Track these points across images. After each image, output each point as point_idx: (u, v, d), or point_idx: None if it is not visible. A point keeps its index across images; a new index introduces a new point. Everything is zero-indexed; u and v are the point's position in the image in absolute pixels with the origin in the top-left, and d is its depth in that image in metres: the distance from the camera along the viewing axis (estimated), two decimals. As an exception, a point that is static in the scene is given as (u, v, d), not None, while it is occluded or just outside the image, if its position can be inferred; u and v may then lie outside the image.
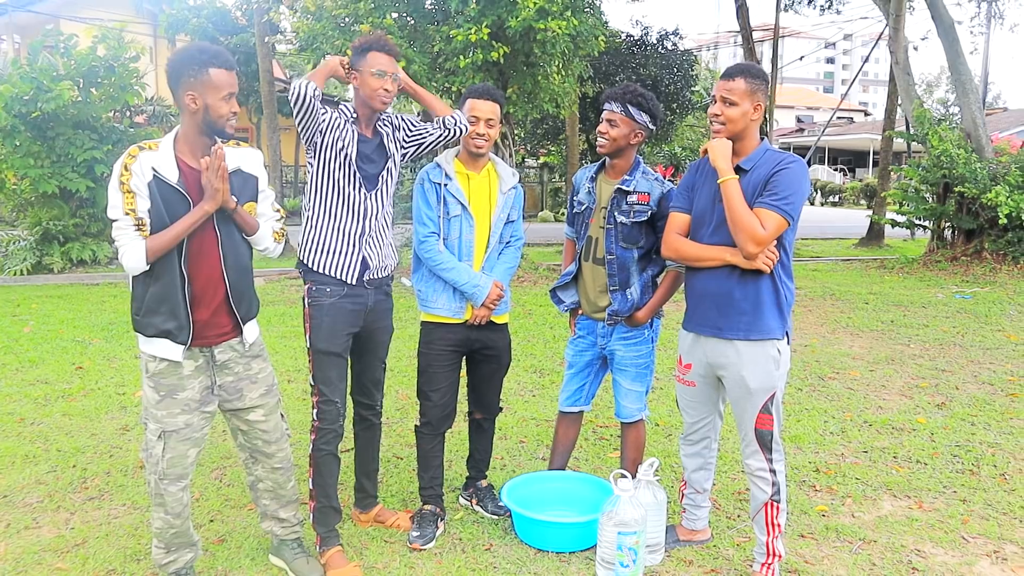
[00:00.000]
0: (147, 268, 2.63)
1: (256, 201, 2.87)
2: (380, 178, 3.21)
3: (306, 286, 3.16)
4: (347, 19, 9.85)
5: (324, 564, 3.11)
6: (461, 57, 9.51)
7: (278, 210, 2.98)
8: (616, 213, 3.33)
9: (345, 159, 3.09)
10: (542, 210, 26.29)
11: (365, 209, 3.17)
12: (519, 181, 3.58)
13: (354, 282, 3.15)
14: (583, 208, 3.49)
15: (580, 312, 3.57)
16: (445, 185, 3.36)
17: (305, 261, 3.15)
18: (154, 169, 2.62)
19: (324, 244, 3.12)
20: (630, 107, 3.27)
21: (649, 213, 3.29)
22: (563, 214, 24.76)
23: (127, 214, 2.60)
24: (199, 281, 2.72)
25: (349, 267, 3.14)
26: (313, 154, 3.10)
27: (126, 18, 18.60)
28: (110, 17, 18.34)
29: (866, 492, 3.94)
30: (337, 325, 3.11)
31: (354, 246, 3.15)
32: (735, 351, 2.92)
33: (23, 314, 8.45)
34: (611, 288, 3.38)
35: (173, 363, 2.73)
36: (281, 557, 3.16)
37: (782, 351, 2.91)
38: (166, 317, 2.67)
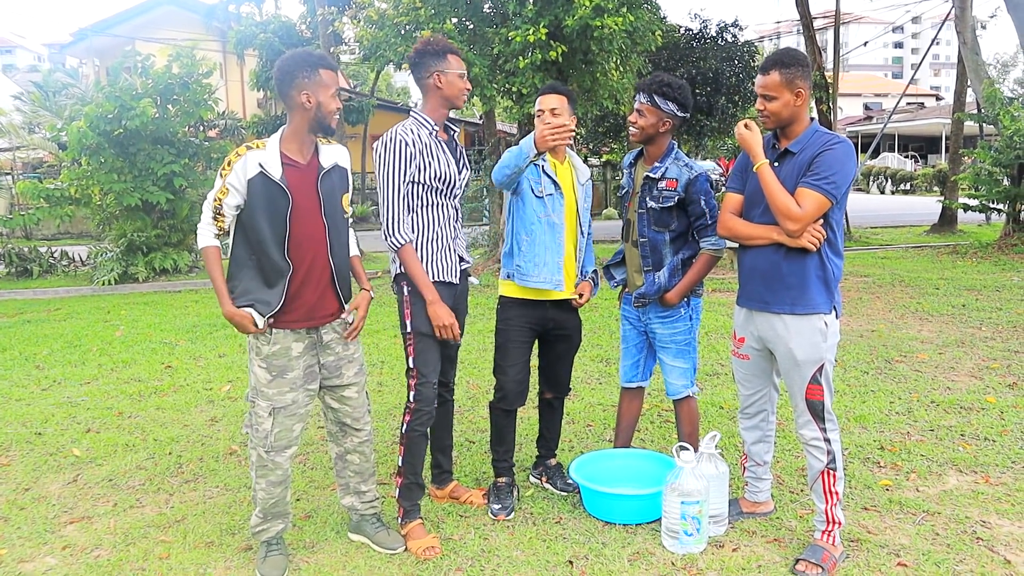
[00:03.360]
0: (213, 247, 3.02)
1: (348, 192, 3.18)
2: (461, 184, 3.44)
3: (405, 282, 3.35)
4: (408, 26, 10.12)
5: (405, 535, 3.32)
6: (520, 58, 9.70)
7: (352, 204, 3.23)
8: (647, 198, 3.49)
9: (438, 178, 3.28)
10: (606, 207, 26.31)
11: (452, 214, 3.41)
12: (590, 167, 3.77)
13: (458, 281, 3.42)
14: (624, 192, 3.69)
15: (626, 289, 3.75)
16: (541, 166, 3.54)
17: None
18: (260, 165, 2.91)
19: (429, 254, 3.32)
20: (656, 96, 3.41)
21: (676, 199, 3.43)
22: (626, 211, 24.78)
23: (215, 201, 2.96)
24: (306, 265, 3.01)
25: (451, 268, 3.38)
26: (415, 184, 3.27)
27: (197, 36, 19.33)
28: (182, 36, 19.10)
29: (931, 468, 3.97)
30: None
31: (451, 249, 3.39)
32: (783, 324, 3.03)
33: (114, 320, 8.95)
34: (645, 269, 3.54)
35: (284, 346, 3.01)
36: (362, 532, 3.38)
37: (829, 324, 3.01)
38: (259, 297, 2.98)
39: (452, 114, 3.46)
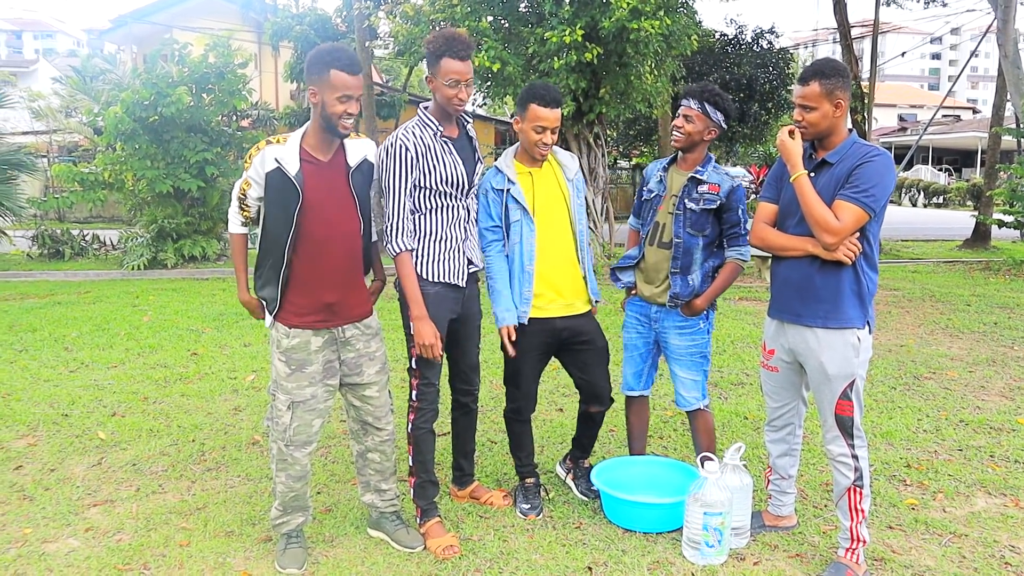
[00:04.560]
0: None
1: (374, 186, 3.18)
2: (473, 183, 3.38)
3: None
4: (444, 23, 10.13)
5: (424, 534, 3.31)
6: (555, 59, 9.68)
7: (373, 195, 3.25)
8: (687, 200, 3.45)
9: (444, 182, 3.23)
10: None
11: (464, 214, 3.35)
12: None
13: (464, 284, 3.36)
14: (652, 196, 3.62)
15: (633, 293, 3.69)
16: (508, 191, 3.43)
17: (417, 270, 3.26)
18: (277, 160, 2.91)
19: (435, 255, 3.27)
20: (707, 105, 3.39)
21: (718, 203, 3.40)
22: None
23: (240, 192, 3.03)
24: (323, 263, 3.00)
25: (459, 271, 3.33)
26: (420, 189, 3.23)
27: (233, 26, 19.48)
28: (218, 26, 19.25)
29: (959, 488, 3.91)
30: (440, 313, 3.27)
31: (460, 250, 3.34)
32: (815, 338, 2.99)
33: (142, 305, 9.04)
34: (672, 271, 3.49)
35: (303, 340, 3.01)
36: (381, 529, 3.38)
37: (862, 339, 2.96)
38: (269, 290, 3.03)
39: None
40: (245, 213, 3.08)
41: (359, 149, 3.09)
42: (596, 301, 3.64)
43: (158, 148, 12.09)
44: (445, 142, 3.25)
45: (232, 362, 6.36)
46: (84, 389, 5.54)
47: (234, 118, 14.29)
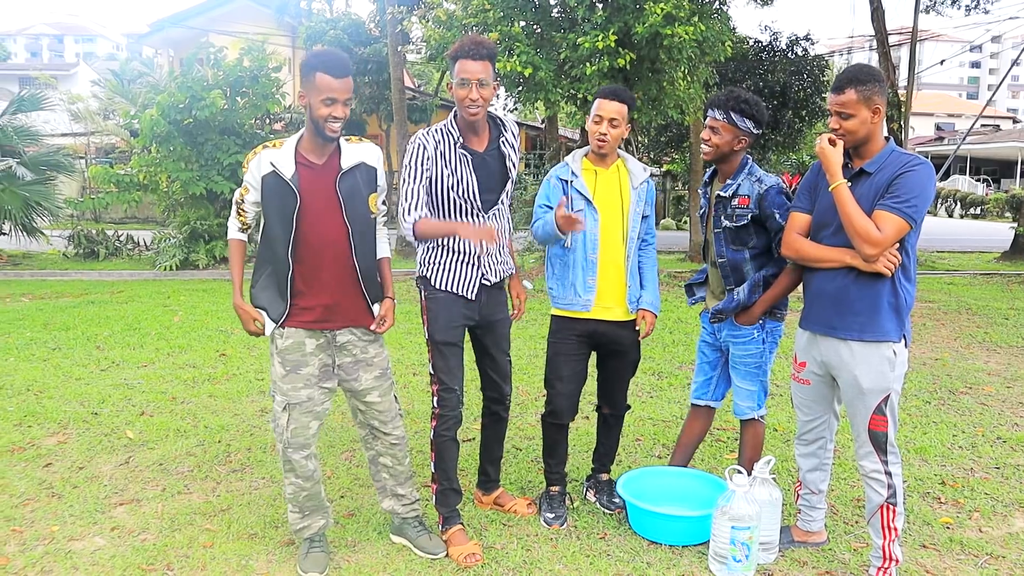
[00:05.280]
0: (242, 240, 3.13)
1: (376, 192, 3.11)
2: (499, 200, 3.33)
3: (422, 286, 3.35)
4: (477, 28, 10.14)
5: (446, 541, 3.28)
6: (587, 64, 9.63)
7: (384, 203, 3.20)
8: (721, 218, 3.39)
9: (462, 193, 3.20)
10: (664, 217, 26.05)
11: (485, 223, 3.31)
12: (650, 176, 3.64)
13: (473, 298, 3.31)
14: (702, 212, 3.58)
15: (705, 307, 3.64)
16: (571, 182, 3.47)
17: (427, 277, 3.29)
18: (272, 164, 2.91)
19: (445, 265, 3.26)
20: (732, 114, 3.30)
21: (751, 215, 3.31)
22: (685, 222, 24.46)
23: (238, 197, 3.04)
24: (319, 267, 2.98)
25: (469, 285, 3.29)
26: (434, 188, 3.22)
27: (268, 31, 19.71)
28: (254, 30, 19.47)
29: (996, 508, 3.80)
30: (453, 317, 3.26)
31: (474, 266, 3.29)
32: (849, 351, 2.92)
33: (173, 305, 9.13)
34: (727, 288, 3.43)
35: (297, 340, 2.99)
36: (403, 535, 3.35)
37: (898, 353, 2.88)
38: (271, 295, 3.01)
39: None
40: (242, 218, 3.08)
41: (357, 153, 3.03)
42: (638, 310, 3.56)
43: (192, 150, 12.23)
44: (463, 155, 3.20)
45: (260, 363, 6.39)
46: (114, 388, 5.59)
47: (267, 121, 14.43)
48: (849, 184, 2.88)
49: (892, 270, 2.82)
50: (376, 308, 3.14)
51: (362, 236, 3.03)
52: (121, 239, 14.39)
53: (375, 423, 3.21)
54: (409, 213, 3.15)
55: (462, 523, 3.37)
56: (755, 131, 3.34)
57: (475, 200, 3.22)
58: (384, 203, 3.21)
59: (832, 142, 2.92)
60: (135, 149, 13.27)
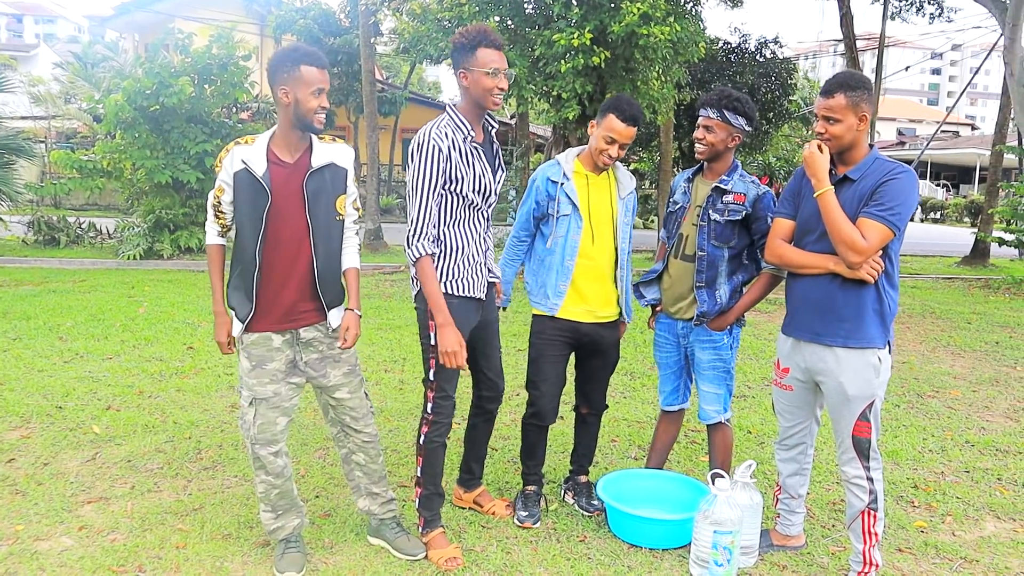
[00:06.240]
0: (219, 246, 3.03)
1: (345, 194, 3.03)
2: (495, 191, 3.27)
3: None
4: (451, 22, 10.07)
5: (426, 543, 3.23)
6: (562, 61, 9.61)
7: (358, 208, 3.13)
8: (711, 211, 3.38)
9: (474, 190, 3.13)
10: (629, 216, 26.12)
11: (485, 225, 3.27)
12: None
13: (484, 297, 3.28)
14: (677, 207, 3.55)
15: (659, 310, 3.63)
16: (561, 184, 3.43)
17: (440, 283, 3.14)
18: (244, 161, 2.84)
19: (460, 271, 3.15)
20: (726, 112, 3.30)
21: (744, 213, 3.33)
22: (652, 221, 24.59)
23: (214, 199, 2.94)
24: (285, 267, 2.92)
25: (481, 285, 3.24)
26: (450, 195, 3.10)
27: (236, 18, 19.40)
28: (221, 16, 19.17)
29: (967, 512, 3.85)
30: (463, 324, 3.14)
31: (482, 264, 3.25)
32: (834, 357, 2.92)
33: (138, 295, 8.95)
34: (697, 284, 3.42)
35: (263, 335, 2.94)
36: (381, 537, 3.30)
37: (883, 360, 2.90)
38: (239, 295, 2.94)
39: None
40: (221, 221, 2.98)
41: (328, 153, 2.96)
42: (626, 321, 3.61)
43: (158, 138, 12.00)
44: (475, 148, 3.13)
45: (228, 358, 6.24)
46: (79, 381, 5.45)
47: (234, 110, 14.20)
48: (834, 190, 2.89)
49: (876, 277, 2.84)
50: (333, 314, 3.04)
51: (324, 237, 2.96)
52: (83, 227, 14.07)
53: (346, 419, 3.15)
54: (419, 238, 3.02)
55: (443, 527, 3.32)
56: (747, 128, 3.35)
57: (491, 190, 3.20)
58: (357, 208, 3.13)
59: (820, 148, 2.92)
60: (98, 135, 13.01)
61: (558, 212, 3.41)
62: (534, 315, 3.57)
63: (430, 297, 3.04)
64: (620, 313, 3.58)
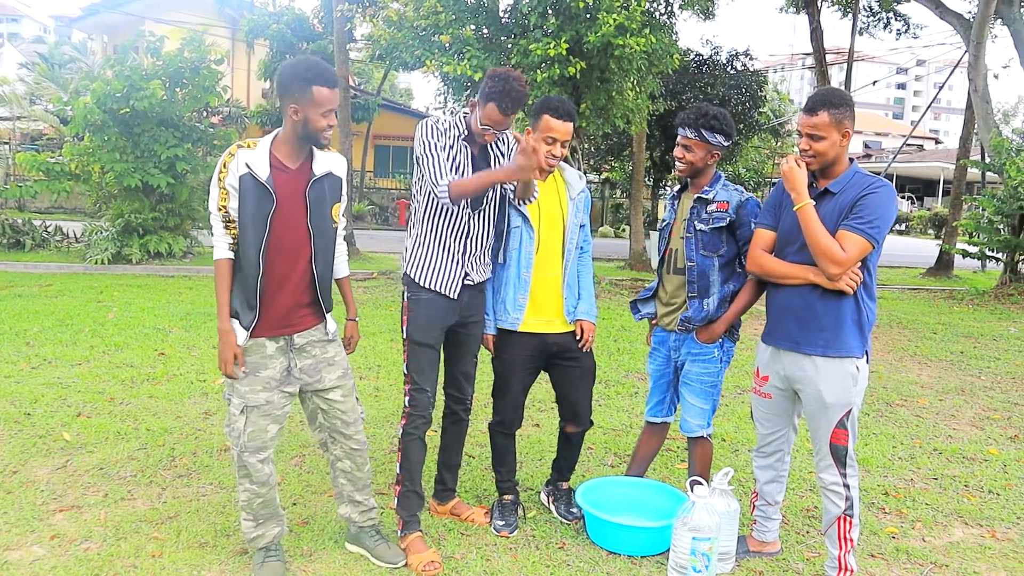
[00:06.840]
0: (231, 258, 2.91)
1: (340, 202, 3.05)
2: (486, 199, 3.30)
3: (406, 285, 3.32)
4: (427, 29, 10.08)
5: (404, 548, 3.23)
6: (538, 71, 9.66)
7: (344, 216, 3.15)
8: (696, 221, 3.41)
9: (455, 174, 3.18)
10: (602, 225, 26.33)
11: (470, 228, 3.28)
12: (586, 185, 3.63)
13: (455, 297, 3.30)
14: (665, 225, 3.59)
15: (655, 324, 3.65)
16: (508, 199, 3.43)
17: (410, 274, 3.29)
18: (248, 165, 2.82)
19: (430, 262, 3.25)
20: (703, 131, 3.34)
21: (728, 220, 3.36)
22: (623, 230, 24.73)
23: (219, 210, 2.85)
24: (284, 272, 2.91)
25: (452, 283, 3.27)
26: (423, 176, 3.19)
27: (207, 21, 19.22)
28: (193, 19, 18.97)
29: (936, 518, 3.92)
30: (433, 319, 3.26)
31: (458, 264, 3.28)
32: (813, 366, 2.97)
33: (106, 300, 8.83)
34: (689, 295, 3.44)
35: (257, 342, 2.92)
36: (360, 544, 3.29)
37: (860, 369, 2.96)
38: (240, 302, 2.90)
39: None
40: (232, 231, 2.88)
41: (327, 162, 2.99)
42: (575, 320, 3.55)
43: (128, 141, 11.85)
44: (465, 146, 3.24)
45: (201, 364, 6.21)
46: (47, 387, 5.36)
47: (205, 114, 14.08)
48: (814, 204, 2.94)
49: (854, 288, 2.89)
50: (330, 317, 3.08)
51: (323, 244, 2.99)
52: (49, 230, 13.85)
53: (337, 423, 3.14)
54: (442, 177, 3.09)
55: (421, 531, 3.32)
56: (725, 144, 3.39)
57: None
58: (343, 215, 3.15)
59: (799, 163, 2.97)
60: (66, 137, 12.82)
61: (509, 225, 3.42)
62: (498, 329, 3.54)
63: (473, 184, 3.09)
64: (568, 321, 3.52)
